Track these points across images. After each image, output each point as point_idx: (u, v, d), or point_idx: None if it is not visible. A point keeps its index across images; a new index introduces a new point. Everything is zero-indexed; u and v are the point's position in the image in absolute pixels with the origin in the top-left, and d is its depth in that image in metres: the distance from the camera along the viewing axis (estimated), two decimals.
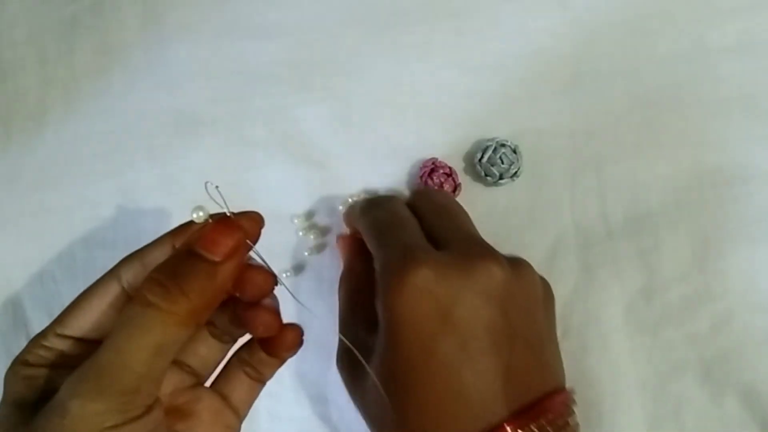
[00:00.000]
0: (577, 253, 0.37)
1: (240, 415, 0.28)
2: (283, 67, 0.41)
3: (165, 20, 0.42)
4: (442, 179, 0.37)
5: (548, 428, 0.26)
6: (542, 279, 0.32)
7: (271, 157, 0.40)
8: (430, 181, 0.37)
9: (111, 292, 0.25)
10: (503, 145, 0.37)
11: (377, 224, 0.32)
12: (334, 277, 0.36)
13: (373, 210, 0.33)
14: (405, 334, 0.27)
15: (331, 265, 0.38)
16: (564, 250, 0.37)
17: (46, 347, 0.24)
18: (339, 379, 0.32)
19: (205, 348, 0.28)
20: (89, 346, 0.24)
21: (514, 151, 0.37)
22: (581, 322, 0.36)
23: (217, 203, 0.24)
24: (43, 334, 0.24)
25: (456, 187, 0.37)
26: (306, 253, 0.39)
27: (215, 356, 0.28)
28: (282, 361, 0.28)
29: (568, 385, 0.30)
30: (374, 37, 0.40)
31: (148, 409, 0.22)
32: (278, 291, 0.26)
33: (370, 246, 0.31)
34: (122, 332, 0.21)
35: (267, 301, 0.26)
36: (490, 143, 0.37)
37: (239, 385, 0.28)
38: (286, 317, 0.27)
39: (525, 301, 0.29)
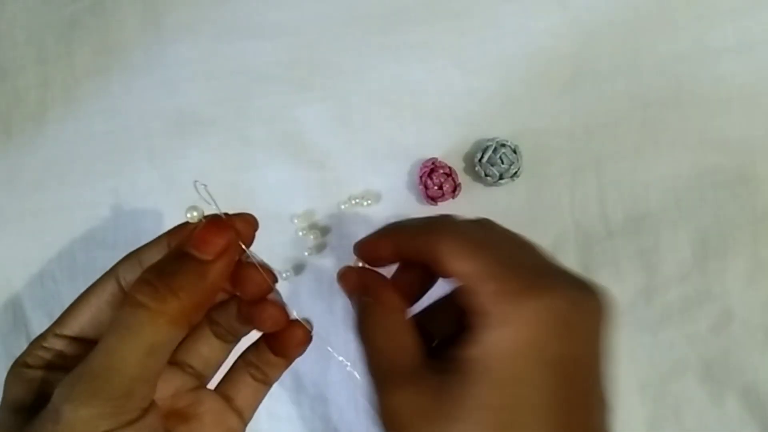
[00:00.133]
0: (577, 253, 0.37)
1: (244, 418, 0.28)
2: (283, 67, 0.41)
3: (165, 20, 0.42)
4: (442, 179, 0.37)
5: None
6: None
7: (271, 157, 0.40)
8: (429, 181, 0.37)
9: (109, 292, 0.25)
10: (503, 145, 0.37)
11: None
12: (334, 277, 0.36)
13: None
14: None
15: (331, 265, 0.38)
16: (564, 250, 0.38)
17: (45, 348, 0.24)
18: (339, 379, 0.32)
19: (207, 348, 0.28)
20: (89, 346, 0.24)
21: (514, 151, 0.37)
22: None
23: (207, 202, 0.24)
24: (43, 336, 0.24)
25: (456, 187, 0.37)
26: (306, 253, 0.39)
27: (218, 356, 0.28)
28: (289, 362, 0.28)
29: None
30: (374, 37, 0.40)
31: (143, 413, 0.21)
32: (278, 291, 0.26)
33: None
34: (113, 334, 0.21)
35: (272, 296, 0.26)
36: (490, 143, 0.37)
37: (244, 387, 0.28)
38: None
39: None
